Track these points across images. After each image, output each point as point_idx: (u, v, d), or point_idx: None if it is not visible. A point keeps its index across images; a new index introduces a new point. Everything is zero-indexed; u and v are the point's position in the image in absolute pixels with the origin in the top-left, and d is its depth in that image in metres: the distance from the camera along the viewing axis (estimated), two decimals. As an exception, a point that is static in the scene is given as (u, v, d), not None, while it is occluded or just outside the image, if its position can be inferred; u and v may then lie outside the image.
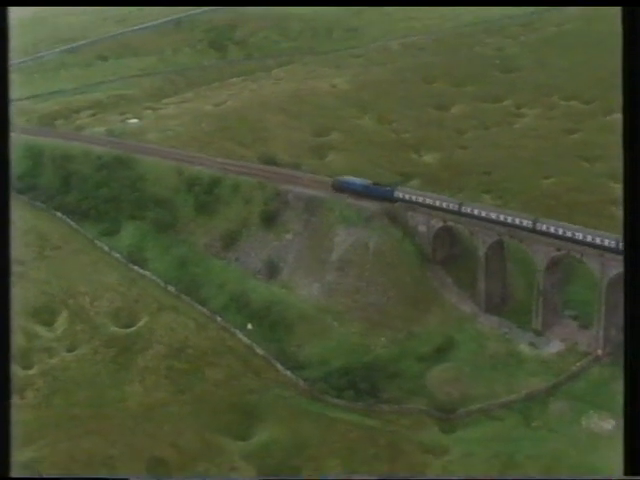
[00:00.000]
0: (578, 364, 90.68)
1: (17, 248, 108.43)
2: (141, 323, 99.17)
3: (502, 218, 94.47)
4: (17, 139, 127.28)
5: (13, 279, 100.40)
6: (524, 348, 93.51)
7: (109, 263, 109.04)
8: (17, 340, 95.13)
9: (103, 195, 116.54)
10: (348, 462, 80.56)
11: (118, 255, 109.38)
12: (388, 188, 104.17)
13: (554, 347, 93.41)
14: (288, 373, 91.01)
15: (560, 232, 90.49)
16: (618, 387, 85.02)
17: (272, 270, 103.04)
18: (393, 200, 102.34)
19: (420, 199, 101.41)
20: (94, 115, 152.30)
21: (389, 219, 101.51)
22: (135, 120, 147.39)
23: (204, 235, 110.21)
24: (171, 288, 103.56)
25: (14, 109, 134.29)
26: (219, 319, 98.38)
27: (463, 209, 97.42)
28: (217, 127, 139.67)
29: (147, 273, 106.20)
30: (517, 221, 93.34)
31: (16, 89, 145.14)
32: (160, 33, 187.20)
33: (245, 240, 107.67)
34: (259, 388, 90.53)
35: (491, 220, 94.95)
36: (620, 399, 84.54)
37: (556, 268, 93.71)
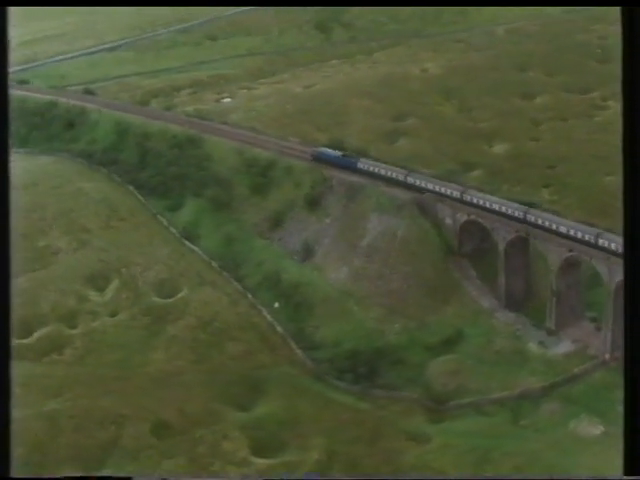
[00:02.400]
0: (582, 367, 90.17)
1: (87, 216, 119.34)
2: (180, 295, 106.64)
3: (517, 214, 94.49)
4: (107, 115, 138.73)
5: (77, 245, 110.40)
6: (532, 346, 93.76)
7: (165, 237, 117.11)
8: (68, 302, 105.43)
9: (172, 172, 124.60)
10: (331, 442, 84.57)
11: (174, 230, 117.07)
12: (353, 160, 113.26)
13: (563, 348, 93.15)
14: (299, 352, 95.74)
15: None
16: (618, 394, 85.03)
17: (307, 252, 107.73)
18: (357, 171, 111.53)
19: (382, 172, 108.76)
20: (194, 93, 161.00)
21: (419, 209, 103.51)
22: (229, 99, 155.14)
23: (254, 215, 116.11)
24: (215, 264, 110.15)
25: (121, 85, 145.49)
26: (250, 296, 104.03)
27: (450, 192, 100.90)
28: (300, 109, 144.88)
29: (196, 248, 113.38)
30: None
31: (127, 65, 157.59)
32: (270, 14, 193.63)
33: (289, 222, 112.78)
34: (270, 364, 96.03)
35: (506, 215, 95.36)
36: (617, 406, 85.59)
37: (572, 269, 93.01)
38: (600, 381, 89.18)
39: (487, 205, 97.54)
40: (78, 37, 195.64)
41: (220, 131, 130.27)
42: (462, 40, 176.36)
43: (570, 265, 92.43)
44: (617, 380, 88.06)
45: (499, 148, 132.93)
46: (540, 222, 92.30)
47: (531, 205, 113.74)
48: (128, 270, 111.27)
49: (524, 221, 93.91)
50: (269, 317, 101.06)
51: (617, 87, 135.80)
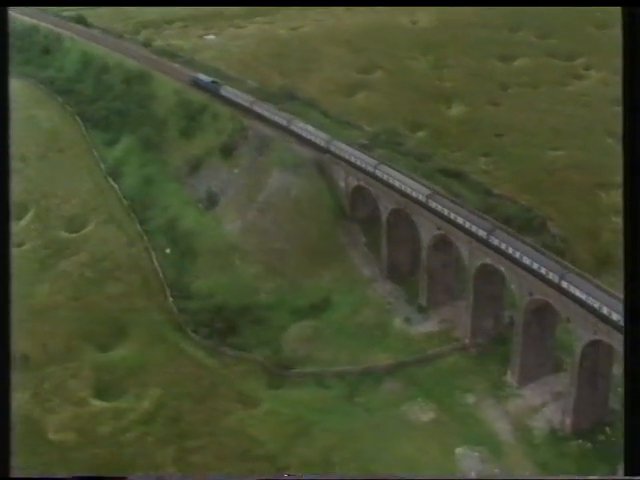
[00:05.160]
0: (437, 349, 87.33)
1: (28, 145, 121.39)
2: (84, 231, 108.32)
3: (398, 185, 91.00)
4: (79, 44, 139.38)
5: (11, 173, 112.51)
6: (397, 322, 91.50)
7: (93, 172, 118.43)
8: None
9: (116, 107, 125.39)
10: (165, 394, 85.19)
11: (103, 166, 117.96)
12: (217, 86, 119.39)
13: (427, 327, 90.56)
14: (170, 300, 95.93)
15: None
16: (464, 381, 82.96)
17: (212, 201, 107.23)
18: (220, 96, 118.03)
19: (245, 103, 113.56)
20: (185, 27, 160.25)
21: (318, 169, 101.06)
22: (212, 37, 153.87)
23: (178, 158, 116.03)
24: (126, 203, 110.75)
25: (116, 13, 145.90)
26: (146, 239, 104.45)
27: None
28: (273, 52, 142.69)
29: (116, 186, 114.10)
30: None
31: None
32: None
33: (205, 168, 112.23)
34: (141, 309, 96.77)
35: (388, 184, 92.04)
36: (457, 394, 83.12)
37: (446, 247, 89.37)
38: (451, 366, 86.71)
39: (374, 172, 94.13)
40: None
41: (172, 70, 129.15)
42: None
43: (444, 243, 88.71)
44: (470, 367, 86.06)
45: (455, 110, 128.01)
46: (414, 195, 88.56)
47: (458, 174, 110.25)
48: (47, 202, 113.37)
49: (402, 192, 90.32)
50: (156, 262, 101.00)
51: (605, 55, 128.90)
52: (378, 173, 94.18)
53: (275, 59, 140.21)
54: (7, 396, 35.84)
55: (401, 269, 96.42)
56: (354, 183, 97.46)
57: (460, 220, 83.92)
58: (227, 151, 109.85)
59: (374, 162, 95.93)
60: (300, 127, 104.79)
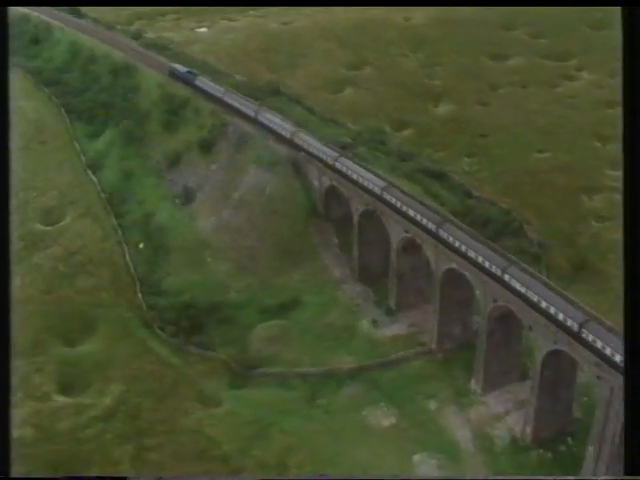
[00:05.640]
0: (402, 353, 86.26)
1: (19, 135, 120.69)
2: (60, 224, 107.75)
3: (370, 186, 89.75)
4: (68, 34, 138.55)
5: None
6: (364, 324, 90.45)
7: (74, 164, 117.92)
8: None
9: (101, 99, 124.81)
10: (127, 390, 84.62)
11: (84, 158, 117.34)
12: (192, 76, 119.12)
13: (394, 330, 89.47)
14: (139, 296, 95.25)
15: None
16: (428, 387, 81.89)
17: (188, 197, 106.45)
18: (195, 87, 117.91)
19: (216, 93, 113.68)
20: (177, 19, 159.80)
21: (294, 168, 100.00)
22: (204, 30, 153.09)
23: (159, 152, 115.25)
24: (104, 196, 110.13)
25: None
26: (120, 234, 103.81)
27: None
28: (262, 47, 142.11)
29: (95, 179, 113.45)
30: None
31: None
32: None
33: (184, 163, 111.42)
34: (111, 304, 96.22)
35: (359, 185, 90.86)
36: (420, 400, 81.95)
37: (415, 250, 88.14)
38: (416, 371, 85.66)
39: (334, 165, 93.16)
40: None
41: (158, 63, 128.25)
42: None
43: (413, 246, 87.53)
44: (434, 372, 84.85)
45: (443, 109, 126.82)
46: (387, 198, 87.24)
47: (440, 175, 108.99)
48: (25, 194, 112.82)
49: (374, 194, 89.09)
50: (128, 257, 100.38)
51: (600, 56, 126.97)
52: (338, 165, 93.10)
53: (264, 53, 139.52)
54: (7, 396, 35.45)
55: (372, 271, 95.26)
56: (327, 183, 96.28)
57: (420, 219, 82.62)
58: (206, 147, 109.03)
59: (335, 155, 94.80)
60: (267, 118, 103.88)
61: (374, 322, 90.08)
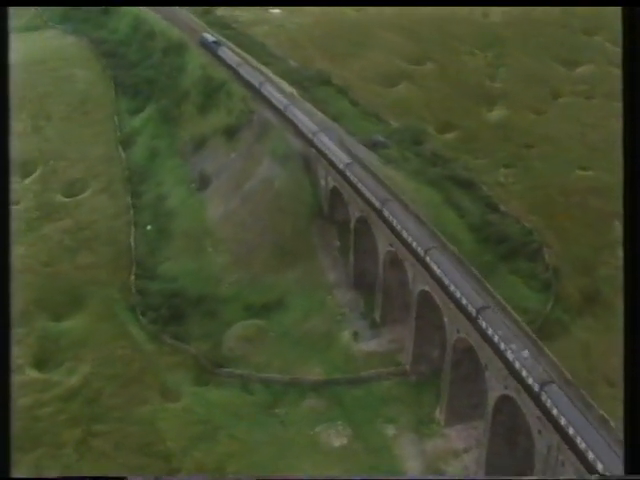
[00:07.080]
0: (373, 371, 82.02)
1: (57, 104, 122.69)
2: (79, 197, 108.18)
3: (366, 193, 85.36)
4: (134, 7, 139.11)
5: (30, 131, 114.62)
6: (345, 335, 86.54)
7: (108, 139, 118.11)
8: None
9: (148, 76, 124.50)
10: (94, 372, 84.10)
11: (119, 134, 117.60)
12: (217, 47, 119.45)
13: (373, 345, 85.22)
14: (132, 278, 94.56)
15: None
16: (390, 411, 77.77)
17: (204, 183, 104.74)
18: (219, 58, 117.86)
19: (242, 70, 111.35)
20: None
21: (304, 163, 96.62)
22: (278, 11, 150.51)
23: (188, 134, 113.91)
24: (127, 173, 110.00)
25: None
26: (132, 213, 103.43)
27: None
28: (327, 33, 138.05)
29: (123, 155, 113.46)
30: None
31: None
32: None
33: (208, 148, 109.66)
34: (104, 282, 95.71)
35: (357, 190, 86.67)
36: (378, 425, 78.49)
37: (402, 264, 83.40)
38: (384, 392, 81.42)
39: (313, 140, 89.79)
40: None
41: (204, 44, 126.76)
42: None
43: (398, 262, 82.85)
44: (402, 395, 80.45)
45: (496, 114, 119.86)
46: (383, 210, 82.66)
47: (469, 184, 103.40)
48: (55, 163, 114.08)
49: (370, 204, 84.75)
50: (132, 238, 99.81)
51: None
52: (316, 141, 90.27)
53: (326, 40, 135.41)
54: (7, 396, 34.68)
55: (368, 278, 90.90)
56: (332, 184, 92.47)
57: (406, 236, 77.89)
58: (230, 133, 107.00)
59: (316, 129, 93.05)
60: (293, 113, 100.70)
61: (355, 334, 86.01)
